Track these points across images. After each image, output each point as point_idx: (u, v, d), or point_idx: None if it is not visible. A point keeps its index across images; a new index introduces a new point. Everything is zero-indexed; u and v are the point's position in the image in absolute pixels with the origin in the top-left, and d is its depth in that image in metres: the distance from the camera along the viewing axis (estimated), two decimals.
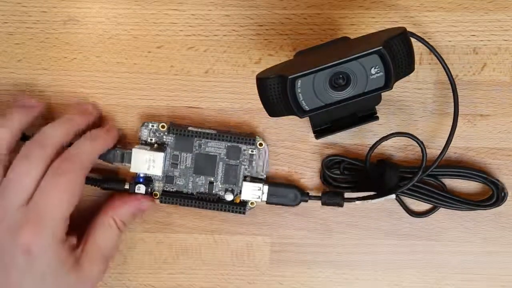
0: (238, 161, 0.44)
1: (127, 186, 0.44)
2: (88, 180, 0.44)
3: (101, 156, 0.43)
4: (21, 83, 0.45)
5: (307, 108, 0.37)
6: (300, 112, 0.37)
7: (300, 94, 0.37)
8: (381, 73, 0.36)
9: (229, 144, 0.44)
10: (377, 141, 0.42)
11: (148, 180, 0.44)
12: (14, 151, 0.40)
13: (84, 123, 0.43)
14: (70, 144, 0.41)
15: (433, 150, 0.43)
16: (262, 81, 0.37)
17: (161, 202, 0.45)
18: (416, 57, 0.39)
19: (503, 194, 0.45)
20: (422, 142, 0.41)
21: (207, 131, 0.44)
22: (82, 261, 0.41)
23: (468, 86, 0.45)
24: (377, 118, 0.42)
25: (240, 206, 0.44)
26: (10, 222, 0.38)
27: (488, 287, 0.47)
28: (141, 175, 0.44)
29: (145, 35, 0.45)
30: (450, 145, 0.42)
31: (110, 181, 0.44)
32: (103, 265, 0.42)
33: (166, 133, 0.44)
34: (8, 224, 0.38)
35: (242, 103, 0.45)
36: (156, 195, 0.45)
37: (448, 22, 0.44)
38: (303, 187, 0.46)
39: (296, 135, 0.46)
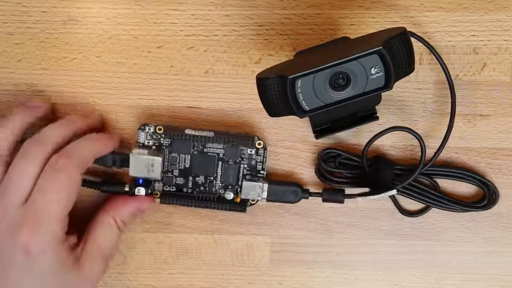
0: (237, 161, 0.44)
1: (127, 188, 0.44)
2: (87, 183, 0.44)
3: (99, 160, 0.43)
4: (21, 83, 0.45)
5: (307, 108, 0.37)
6: (300, 112, 0.37)
7: (300, 94, 0.37)
8: (381, 73, 0.36)
9: (227, 144, 0.44)
10: (375, 135, 0.42)
11: (147, 182, 0.44)
12: (15, 151, 0.40)
13: (85, 125, 0.43)
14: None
15: (433, 150, 0.43)
16: (262, 81, 0.37)
17: (161, 202, 0.45)
18: (416, 57, 0.39)
19: (494, 196, 0.45)
20: (420, 136, 0.41)
21: (205, 134, 0.44)
22: (82, 260, 0.41)
23: (468, 86, 0.45)
24: (377, 118, 0.42)
25: (240, 205, 0.44)
26: (10, 221, 0.38)
27: (488, 287, 0.47)
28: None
29: (145, 35, 0.45)
30: (451, 145, 0.42)
31: (109, 184, 0.44)
32: (103, 264, 0.42)
33: (163, 136, 0.44)
34: (8, 223, 0.38)
35: (242, 103, 0.45)
36: (156, 194, 0.45)
37: (448, 22, 0.44)
38: (304, 184, 0.46)
39: (296, 135, 0.46)
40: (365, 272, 0.47)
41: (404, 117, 0.45)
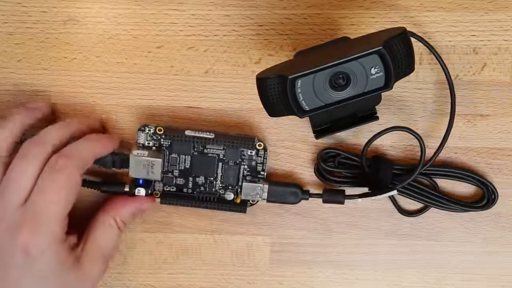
0: (238, 162, 0.44)
1: (127, 189, 0.44)
2: (87, 183, 0.44)
3: (99, 161, 0.43)
4: (21, 83, 0.45)
5: (307, 108, 0.37)
6: (300, 112, 0.37)
7: (300, 94, 0.37)
8: (381, 73, 0.36)
9: (227, 146, 0.44)
10: (374, 135, 0.42)
11: (147, 182, 0.44)
12: (14, 152, 0.40)
13: (85, 126, 0.43)
14: None
15: (433, 150, 0.43)
16: (262, 81, 0.37)
17: (161, 203, 0.45)
18: (416, 57, 0.39)
19: (493, 196, 0.45)
20: (419, 136, 0.41)
21: (205, 135, 0.44)
22: (82, 260, 0.41)
23: (468, 86, 0.45)
24: (377, 118, 0.42)
25: (240, 206, 0.44)
26: (9, 221, 0.38)
27: (488, 287, 0.47)
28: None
29: (145, 35, 0.45)
30: (450, 145, 0.42)
31: (109, 184, 0.44)
32: (103, 264, 0.42)
33: (163, 137, 0.44)
34: (7, 224, 0.38)
35: (242, 103, 0.45)
36: (156, 194, 0.45)
37: (448, 22, 0.44)
38: (303, 185, 0.46)
39: (296, 135, 0.46)
40: (365, 272, 0.47)
41: (404, 117, 0.45)
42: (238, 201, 0.45)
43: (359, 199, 0.44)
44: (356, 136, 0.45)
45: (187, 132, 0.44)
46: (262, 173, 0.44)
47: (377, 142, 0.44)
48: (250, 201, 0.45)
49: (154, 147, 0.44)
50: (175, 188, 0.45)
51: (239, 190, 0.44)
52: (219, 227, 0.47)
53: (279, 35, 0.45)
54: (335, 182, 0.45)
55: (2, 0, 0.45)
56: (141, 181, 0.44)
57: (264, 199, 0.44)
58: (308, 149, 0.46)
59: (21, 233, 0.38)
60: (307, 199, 0.44)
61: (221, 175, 0.44)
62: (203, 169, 0.44)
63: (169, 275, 0.47)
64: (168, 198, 0.45)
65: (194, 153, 0.44)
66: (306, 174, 0.46)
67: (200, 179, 0.45)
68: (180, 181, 0.45)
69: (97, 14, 0.45)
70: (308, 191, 0.45)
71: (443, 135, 0.42)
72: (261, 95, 0.38)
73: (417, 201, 0.45)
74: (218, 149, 0.44)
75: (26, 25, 0.45)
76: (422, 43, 0.41)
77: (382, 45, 0.35)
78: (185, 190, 0.45)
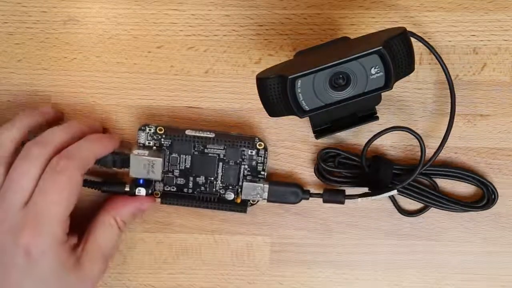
0: (238, 161, 0.44)
1: (127, 189, 0.44)
2: (88, 183, 0.44)
3: (100, 161, 0.43)
4: (21, 83, 0.45)
5: (307, 108, 0.37)
6: (300, 112, 0.37)
7: (300, 94, 0.37)
8: (381, 73, 0.36)
9: (228, 145, 0.44)
10: (374, 135, 0.42)
11: (148, 182, 0.44)
12: (17, 153, 0.40)
13: (85, 126, 0.43)
14: None
15: (433, 150, 0.43)
16: (262, 81, 0.37)
17: (162, 202, 0.45)
18: (416, 57, 0.39)
19: (493, 196, 0.45)
20: (419, 136, 0.41)
21: (205, 134, 0.44)
22: (82, 261, 0.41)
23: (468, 86, 0.45)
24: (377, 118, 0.42)
25: (240, 206, 0.45)
26: (11, 223, 0.38)
27: (488, 287, 0.47)
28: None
29: (145, 35, 0.45)
30: (450, 145, 0.42)
31: (110, 184, 0.44)
32: (103, 264, 0.42)
33: (164, 136, 0.44)
34: (9, 225, 0.38)
35: (242, 103, 0.45)
36: (157, 194, 0.45)
37: (448, 22, 0.44)
38: (304, 184, 0.46)
39: (296, 135, 0.46)
40: (365, 272, 0.47)
41: (404, 117, 0.45)
42: (239, 201, 0.45)
43: (359, 199, 0.44)
44: (356, 136, 0.45)
45: (188, 132, 0.44)
46: (262, 173, 0.44)
47: (377, 142, 0.44)
48: (251, 201, 0.45)
49: (154, 147, 0.44)
50: (175, 188, 0.45)
51: (239, 190, 0.45)
52: (219, 227, 0.47)
53: (279, 35, 0.45)
54: (335, 182, 0.45)
55: (2, 0, 0.45)
56: (141, 181, 0.44)
57: (264, 199, 0.44)
58: (308, 149, 0.46)
59: (22, 234, 0.38)
60: (308, 199, 0.44)
61: (222, 175, 0.44)
62: (203, 169, 0.44)
63: (169, 275, 0.47)
64: (168, 198, 0.45)
65: (195, 153, 0.44)
66: (306, 174, 0.46)
67: (201, 179, 0.45)
68: (181, 181, 0.45)
69: (97, 14, 0.45)
70: (308, 191, 0.45)
71: (443, 135, 0.42)
72: (261, 95, 0.38)
73: (417, 201, 0.45)
74: (219, 149, 0.44)
75: (26, 25, 0.45)
76: (422, 43, 0.41)
77: (382, 45, 0.35)
78: (185, 190, 0.45)
